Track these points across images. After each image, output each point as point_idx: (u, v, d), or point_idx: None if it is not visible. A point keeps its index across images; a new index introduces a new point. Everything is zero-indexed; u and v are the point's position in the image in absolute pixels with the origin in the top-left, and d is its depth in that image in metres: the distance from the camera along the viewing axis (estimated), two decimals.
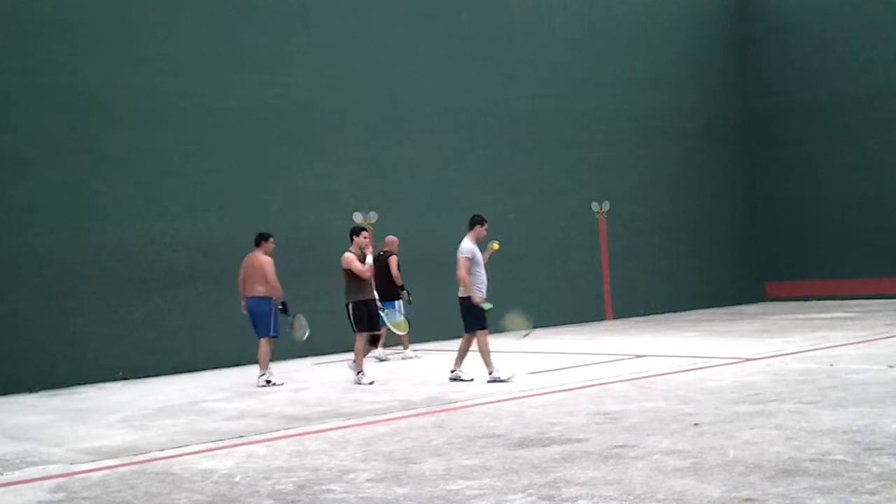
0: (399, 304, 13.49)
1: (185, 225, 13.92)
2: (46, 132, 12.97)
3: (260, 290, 11.46)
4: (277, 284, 11.51)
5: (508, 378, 10.18)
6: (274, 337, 11.53)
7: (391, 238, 13.86)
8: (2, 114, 12.74)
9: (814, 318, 15.75)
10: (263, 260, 11.52)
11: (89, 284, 13.07)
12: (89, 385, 12.65)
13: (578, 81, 18.49)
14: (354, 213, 15.54)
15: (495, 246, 10.96)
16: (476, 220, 10.70)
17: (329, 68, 15.48)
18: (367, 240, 11.26)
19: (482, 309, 10.30)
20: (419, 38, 16.57)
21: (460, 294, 10.39)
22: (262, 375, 11.41)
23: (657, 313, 18.95)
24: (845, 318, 15.34)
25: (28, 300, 12.64)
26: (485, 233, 10.74)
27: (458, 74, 16.93)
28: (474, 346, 10.34)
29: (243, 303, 11.64)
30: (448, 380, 10.48)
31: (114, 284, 13.25)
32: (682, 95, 19.94)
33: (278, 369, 12.82)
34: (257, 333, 11.55)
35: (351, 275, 11.02)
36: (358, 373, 10.95)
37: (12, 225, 12.67)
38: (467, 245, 10.46)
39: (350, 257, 11.06)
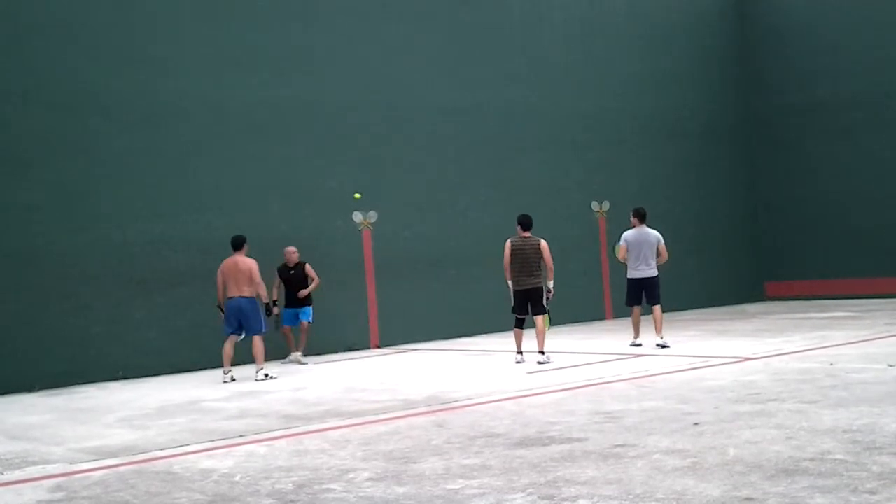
0: None
1: (185, 225, 13.92)
2: (46, 132, 12.96)
3: (247, 291, 12.00)
4: (263, 283, 12.15)
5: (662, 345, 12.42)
6: (264, 332, 12.19)
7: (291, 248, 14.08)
8: (2, 114, 12.75)
9: (813, 318, 15.75)
10: (249, 262, 12.08)
11: (89, 284, 13.07)
12: (89, 385, 12.65)
13: (578, 81, 18.47)
14: (354, 213, 15.54)
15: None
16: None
17: (329, 68, 15.47)
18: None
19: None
20: (419, 38, 16.55)
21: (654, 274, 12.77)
22: (261, 370, 11.94)
23: None
24: (845, 318, 15.33)
25: (28, 300, 12.64)
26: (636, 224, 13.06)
27: (458, 74, 16.91)
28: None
29: (221, 304, 12.15)
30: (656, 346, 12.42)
31: (114, 284, 13.25)
32: (682, 95, 19.92)
33: (279, 369, 12.84)
34: (246, 332, 12.10)
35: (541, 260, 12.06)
36: (541, 352, 11.80)
37: (12, 225, 12.67)
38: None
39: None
